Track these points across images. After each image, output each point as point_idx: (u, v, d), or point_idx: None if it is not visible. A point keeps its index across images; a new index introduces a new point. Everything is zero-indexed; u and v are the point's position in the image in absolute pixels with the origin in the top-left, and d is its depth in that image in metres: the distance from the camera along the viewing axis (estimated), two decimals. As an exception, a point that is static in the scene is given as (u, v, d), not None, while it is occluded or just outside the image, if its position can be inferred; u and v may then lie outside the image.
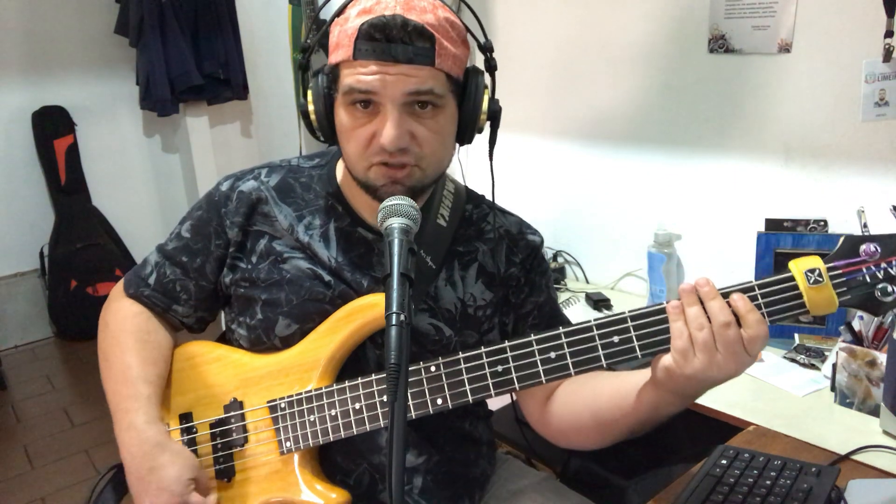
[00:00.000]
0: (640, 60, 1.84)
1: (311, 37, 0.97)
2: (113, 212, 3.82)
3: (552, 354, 0.86)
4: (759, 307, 0.80)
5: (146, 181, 4.03)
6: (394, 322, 0.73)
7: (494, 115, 0.98)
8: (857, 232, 1.49)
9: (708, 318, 0.79)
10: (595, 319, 0.86)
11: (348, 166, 0.96)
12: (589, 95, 1.99)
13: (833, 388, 1.32)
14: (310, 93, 0.95)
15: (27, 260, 3.68)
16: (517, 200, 2.25)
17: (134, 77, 3.73)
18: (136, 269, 1.12)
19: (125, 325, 1.08)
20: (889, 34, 1.34)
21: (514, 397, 1.09)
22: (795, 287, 0.80)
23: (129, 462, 0.97)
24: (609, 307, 1.84)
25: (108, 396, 1.03)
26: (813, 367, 1.44)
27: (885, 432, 1.17)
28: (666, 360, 0.82)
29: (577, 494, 1.15)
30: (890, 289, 0.78)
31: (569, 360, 0.86)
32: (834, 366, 1.30)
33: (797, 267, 0.80)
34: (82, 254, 3.64)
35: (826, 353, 1.45)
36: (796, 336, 1.54)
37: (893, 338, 1.11)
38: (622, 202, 1.97)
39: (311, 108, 0.95)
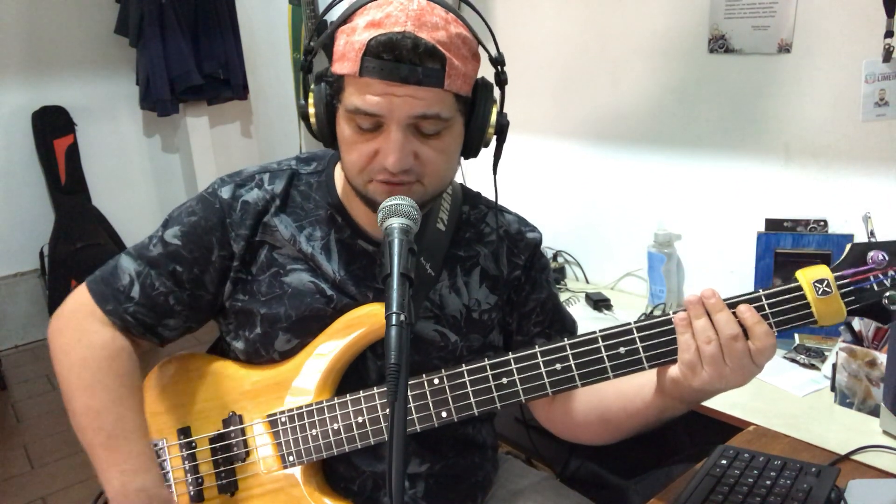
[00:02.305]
0: (640, 60, 1.84)
1: (314, 39, 0.94)
2: (113, 212, 3.82)
3: (558, 366, 0.86)
4: (766, 317, 0.79)
5: (146, 181, 4.03)
6: (394, 322, 0.72)
7: (501, 130, 0.96)
8: (859, 231, 1.49)
9: (715, 330, 0.78)
10: (600, 330, 0.85)
11: (347, 177, 0.93)
12: (589, 95, 1.99)
13: (833, 388, 1.32)
14: (311, 96, 0.91)
15: (27, 260, 3.68)
16: (518, 200, 2.24)
17: (134, 77, 3.74)
18: (106, 278, 1.00)
19: (101, 364, 0.97)
20: (889, 34, 1.34)
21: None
22: (803, 297, 0.79)
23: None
24: (609, 307, 1.84)
25: (97, 452, 0.94)
26: (813, 367, 1.44)
27: (885, 432, 1.17)
28: (673, 371, 0.82)
29: (576, 494, 1.15)
30: None
31: (575, 372, 0.85)
32: (834, 366, 1.30)
33: (805, 277, 0.79)
34: (82, 254, 3.64)
35: (826, 353, 1.45)
36: (796, 336, 1.54)
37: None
38: (622, 202, 1.97)
39: (311, 110, 0.92)
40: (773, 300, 0.80)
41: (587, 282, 2.09)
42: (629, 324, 0.84)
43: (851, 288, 0.79)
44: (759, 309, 0.79)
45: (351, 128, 0.88)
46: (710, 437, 1.23)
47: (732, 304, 0.80)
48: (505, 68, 0.95)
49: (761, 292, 0.80)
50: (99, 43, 3.74)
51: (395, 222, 0.82)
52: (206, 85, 3.70)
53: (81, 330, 0.99)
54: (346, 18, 0.87)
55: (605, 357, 0.84)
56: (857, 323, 1.33)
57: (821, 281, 0.78)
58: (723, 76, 1.68)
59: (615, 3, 1.86)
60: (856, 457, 1.10)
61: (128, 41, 3.63)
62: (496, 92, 0.95)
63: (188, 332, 1.07)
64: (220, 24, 3.70)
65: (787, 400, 1.33)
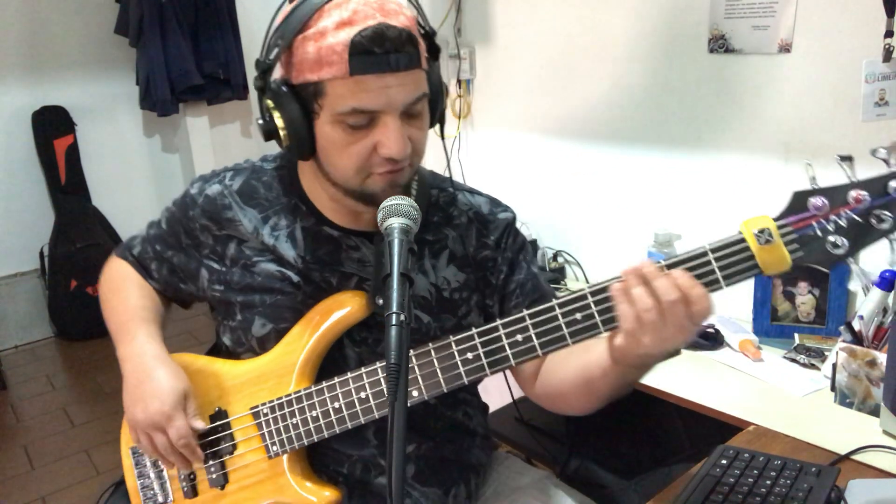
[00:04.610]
0: (641, 60, 1.84)
1: (271, 55, 0.90)
2: (113, 212, 3.82)
3: (519, 337, 0.87)
4: (712, 271, 0.80)
5: (146, 181, 4.03)
6: (394, 322, 0.73)
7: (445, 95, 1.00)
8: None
9: (654, 298, 0.78)
10: (556, 299, 0.86)
11: (337, 180, 0.94)
12: (589, 95, 1.99)
13: (833, 388, 1.32)
14: (276, 114, 0.90)
15: (27, 260, 3.68)
16: (517, 200, 2.24)
17: (134, 77, 3.73)
18: (129, 239, 1.18)
19: (123, 271, 1.15)
20: (889, 34, 1.34)
21: (508, 381, 1.11)
22: (748, 248, 0.79)
23: (127, 374, 1.02)
24: (609, 307, 1.83)
25: (112, 331, 1.10)
26: (813, 367, 1.44)
27: (885, 432, 1.17)
28: (618, 340, 0.82)
29: (576, 493, 1.16)
30: (840, 241, 0.78)
31: (535, 342, 0.86)
32: (834, 366, 1.30)
33: (747, 227, 0.80)
34: (82, 254, 3.64)
35: (826, 353, 1.45)
36: (796, 336, 1.54)
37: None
38: (622, 202, 1.97)
39: (279, 124, 0.90)
40: (719, 254, 0.80)
41: (587, 282, 2.09)
42: (583, 289, 0.84)
43: (795, 236, 0.79)
44: (706, 263, 0.80)
45: (340, 131, 0.88)
46: (710, 437, 1.23)
47: (668, 267, 0.80)
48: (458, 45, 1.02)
49: (707, 247, 0.81)
50: (99, 43, 3.74)
51: (396, 222, 0.82)
52: (206, 85, 3.70)
53: (109, 262, 1.19)
54: (303, 26, 0.86)
55: (563, 324, 0.85)
56: (857, 323, 1.34)
57: (762, 230, 0.79)
58: (723, 76, 1.68)
59: (616, 2, 1.86)
60: (856, 457, 1.10)
61: (128, 41, 3.62)
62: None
63: (170, 302, 1.18)
64: (220, 24, 3.70)
65: (787, 400, 1.33)
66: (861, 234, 0.78)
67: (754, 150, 1.67)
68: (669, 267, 0.80)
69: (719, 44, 1.67)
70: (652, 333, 0.78)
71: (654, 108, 1.84)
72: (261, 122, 0.93)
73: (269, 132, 0.92)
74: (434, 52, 0.97)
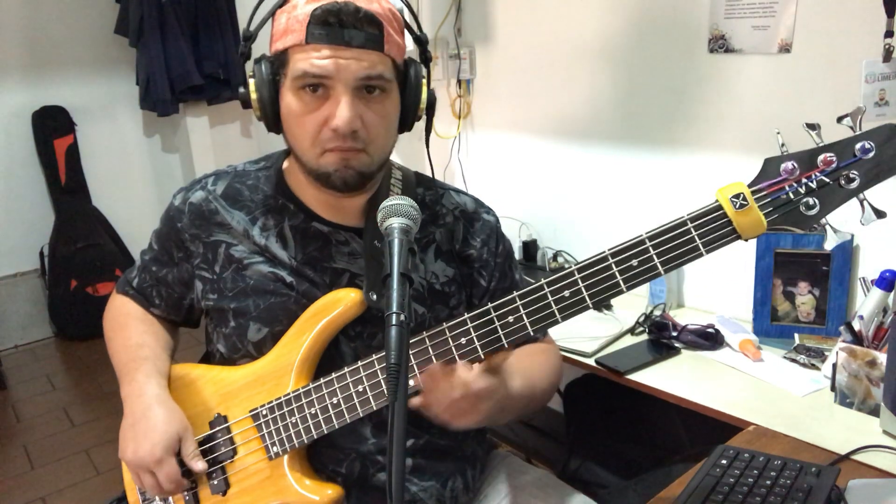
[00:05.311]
0: (641, 60, 1.84)
1: (254, 26, 1.00)
2: (113, 212, 3.82)
3: (510, 318, 0.88)
4: (692, 240, 0.83)
5: (146, 181, 4.03)
6: (394, 322, 0.73)
7: (431, 104, 1.03)
8: (858, 231, 1.49)
9: (447, 399, 0.85)
10: (545, 277, 0.88)
11: (298, 155, 0.97)
12: (589, 95, 1.99)
13: (833, 388, 1.32)
14: (251, 81, 0.97)
15: (27, 260, 3.68)
16: (517, 199, 2.25)
17: (134, 77, 3.73)
18: (127, 272, 1.19)
19: (125, 308, 1.16)
20: (889, 34, 1.34)
21: None
22: (724, 215, 0.82)
23: (126, 413, 1.03)
24: (609, 307, 1.84)
25: (116, 371, 1.10)
26: (813, 367, 1.44)
27: (885, 432, 1.17)
28: None
29: (576, 491, 1.16)
30: (812, 202, 0.81)
31: (526, 321, 0.88)
32: (834, 366, 1.30)
33: (722, 194, 0.82)
34: (82, 254, 3.64)
35: (826, 353, 1.45)
36: (796, 336, 1.54)
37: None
38: (623, 202, 1.98)
39: (253, 95, 0.97)
40: (698, 222, 0.84)
41: (587, 282, 2.09)
42: (570, 267, 0.87)
43: (769, 199, 0.82)
44: (686, 232, 0.84)
45: (298, 98, 0.93)
46: (710, 437, 1.24)
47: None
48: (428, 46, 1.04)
49: (686, 216, 0.84)
50: (99, 43, 3.73)
51: (396, 222, 0.83)
52: (206, 85, 3.70)
53: (111, 299, 1.20)
54: (283, 2, 0.94)
55: (552, 302, 0.87)
56: (857, 323, 1.34)
57: (737, 196, 0.82)
58: (723, 76, 1.68)
59: (616, 3, 1.86)
60: (856, 457, 1.11)
61: (128, 41, 3.62)
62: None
63: (185, 323, 1.18)
64: (220, 24, 3.69)
65: (787, 400, 1.33)
66: (832, 195, 0.81)
67: (754, 150, 1.67)
68: (651, 239, 0.84)
69: (719, 44, 1.67)
70: (470, 415, 0.87)
71: (655, 108, 1.85)
72: (241, 90, 0.99)
73: (245, 100, 0.98)
74: (425, 59, 1.01)
